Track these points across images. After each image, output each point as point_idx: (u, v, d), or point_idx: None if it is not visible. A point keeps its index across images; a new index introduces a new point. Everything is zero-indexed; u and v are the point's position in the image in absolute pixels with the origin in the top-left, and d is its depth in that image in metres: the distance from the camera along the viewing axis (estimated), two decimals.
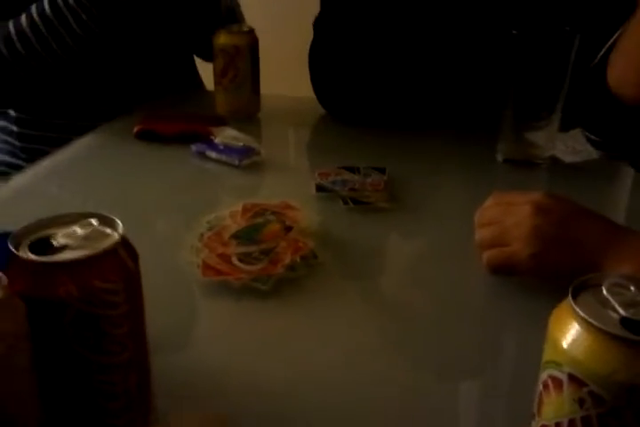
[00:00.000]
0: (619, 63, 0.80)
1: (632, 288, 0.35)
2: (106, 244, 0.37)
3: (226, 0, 1.16)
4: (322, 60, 1.01)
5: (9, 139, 1.12)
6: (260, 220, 0.67)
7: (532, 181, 0.87)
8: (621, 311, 0.33)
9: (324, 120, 1.04)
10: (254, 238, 0.64)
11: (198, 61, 1.28)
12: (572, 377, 0.33)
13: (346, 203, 0.76)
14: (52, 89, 1.07)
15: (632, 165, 0.89)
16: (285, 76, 1.18)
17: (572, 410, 0.33)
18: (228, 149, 0.87)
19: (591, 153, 0.93)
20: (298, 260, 0.61)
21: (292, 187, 0.82)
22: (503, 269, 0.59)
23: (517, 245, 0.58)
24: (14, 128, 1.10)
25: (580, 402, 0.33)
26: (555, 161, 0.89)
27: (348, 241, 0.69)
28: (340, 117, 1.03)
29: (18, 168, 1.07)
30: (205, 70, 1.20)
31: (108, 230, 0.38)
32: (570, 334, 0.33)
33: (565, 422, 0.33)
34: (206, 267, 0.59)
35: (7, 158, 1.13)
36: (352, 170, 0.84)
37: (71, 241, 0.37)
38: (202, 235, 0.64)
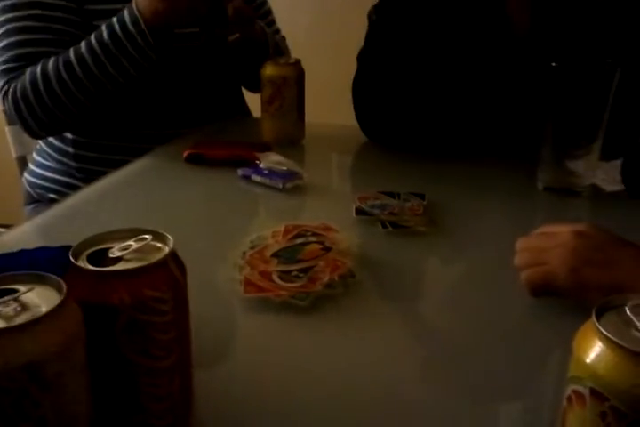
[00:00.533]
0: None
1: None
2: (157, 256, 0.40)
3: (273, 37, 1.21)
4: (365, 91, 1.04)
5: (65, 160, 1.17)
6: (300, 240, 0.70)
7: (572, 209, 0.88)
8: None
9: (366, 147, 1.07)
10: (294, 258, 0.66)
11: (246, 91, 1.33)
12: (593, 392, 0.34)
13: (385, 226, 0.78)
14: (107, 112, 1.13)
15: None
16: (329, 104, 1.22)
17: (594, 424, 0.34)
18: (272, 174, 0.90)
19: None
20: (336, 278, 0.63)
21: (332, 210, 0.84)
22: (541, 288, 0.61)
23: (555, 262, 0.59)
24: (70, 149, 1.16)
25: (602, 416, 0.34)
26: (595, 190, 0.90)
27: (385, 263, 0.71)
28: (382, 143, 1.06)
29: (74, 188, 1.13)
30: (252, 99, 1.25)
31: (160, 245, 0.41)
32: (592, 350, 0.35)
33: None
34: (248, 283, 0.62)
35: (64, 178, 1.18)
36: (391, 195, 0.86)
37: (126, 253, 0.40)
38: (244, 253, 0.67)
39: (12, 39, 1.06)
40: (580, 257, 0.59)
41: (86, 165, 1.16)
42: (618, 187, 0.94)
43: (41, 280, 0.37)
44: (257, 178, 0.90)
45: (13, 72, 1.06)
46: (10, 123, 1.29)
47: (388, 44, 1.01)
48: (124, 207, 0.85)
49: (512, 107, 1.01)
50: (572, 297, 0.59)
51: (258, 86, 1.06)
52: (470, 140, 1.03)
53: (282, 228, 0.72)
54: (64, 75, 1.02)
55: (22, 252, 0.55)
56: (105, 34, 1.02)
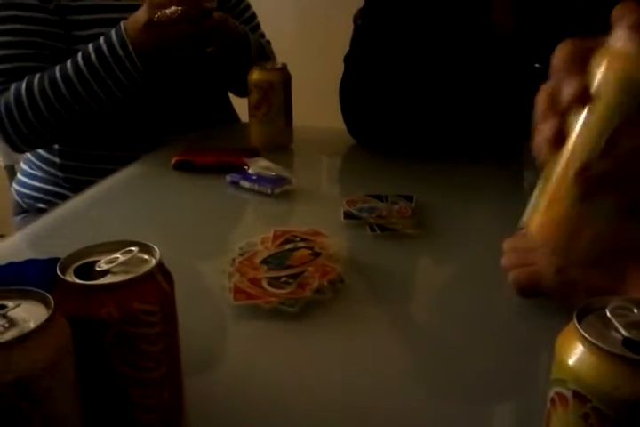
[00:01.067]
0: None
1: (635, 310, 0.37)
2: (144, 269, 0.40)
3: (255, 42, 1.22)
4: (352, 94, 1.05)
5: (51, 170, 1.17)
6: (289, 246, 0.70)
7: None
8: (624, 332, 0.35)
9: (354, 150, 1.08)
10: (284, 264, 0.67)
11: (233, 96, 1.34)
12: (576, 394, 0.35)
13: (373, 230, 0.79)
14: (92, 123, 1.13)
15: None
16: (317, 108, 1.22)
17: (577, 425, 0.35)
18: (260, 179, 0.91)
19: None
20: (325, 284, 0.64)
21: (321, 214, 0.85)
22: (529, 288, 0.61)
23: (542, 262, 0.60)
24: (57, 160, 1.16)
25: (585, 418, 0.34)
26: None
27: (374, 266, 0.71)
28: (370, 146, 1.06)
29: (63, 197, 1.13)
30: (241, 104, 1.25)
31: (147, 257, 0.42)
32: (574, 353, 0.35)
33: None
34: (237, 290, 0.62)
35: (52, 188, 1.18)
36: (380, 198, 0.86)
37: (113, 266, 0.40)
38: (234, 260, 0.68)
39: None
40: (568, 257, 0.59)
41: (73, 175, 1.16)
42: None
43: (28, 295, 0.37)
44: (245, 184, 0.91)
45: None
46: None
47: (373, 47, 1.02)
48: (112, 216, 0.85)
49: (497, 107, 1.01)
50: (558, 298, 0.59)
51: (245, 91, 1.07)
52: (457, 141, 1.04)
53: (271, 234, 0.73)
54: (49, 93, 1.03)
55: (10, 265, 0.56)
56: (93, 55, 1.02)
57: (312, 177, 0.99)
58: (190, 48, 1.06)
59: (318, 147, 1.09)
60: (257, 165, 0.94)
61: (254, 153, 0.99)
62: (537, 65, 0.87)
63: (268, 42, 1.33)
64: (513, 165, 0.91)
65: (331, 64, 1.14)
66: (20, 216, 1.23)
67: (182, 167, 0.97)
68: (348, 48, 1.05)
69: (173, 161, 0.98)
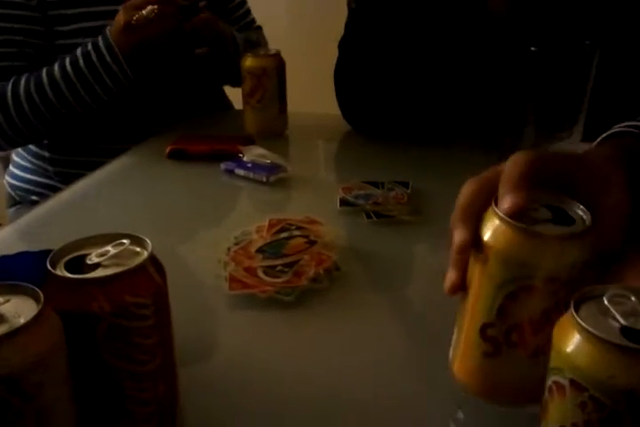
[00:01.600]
0: None
1: (633, 298, 0.36)
2: (136, 261, 0.40)
3: (248, 33, 1.20)
4: (347, 79, 1.04)
5: (42, 164, 1.17)
6: (285, 234, 0.70)
7: None
8: (622, 320, 0.35)
9: (349, 136, 1.07)
10: (279, 252, 0.66)
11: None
12: (573, 382, 0.34)
13: (369, 217, 0.78)
14: (78, 123, 1.12)
15: None
16: (312, 94, 1.21)
17: (574, 414, 0.35)
18: (255, 167, 0.90)
19: None
20: (321, 272, 0.64)
21: (317, 202, 0.84)
22: None
23: None
24: (46, 153, 1.15)
25: (582, 406, 0.34)
26: None
27: (371, 254, 0.71)
28: (365, 132, 1.05)
29: (55, 189, 1.12)
30: (234, 92, 1.24)
31: (138, 249, 0.41)
32: (571, 341, 0.35)
33: (568, 425, 0.35)
34: (233, 280, 0.62)
35: (44, 180, 1.18)
36: (376, 184, 0.86)
37: (104, 260, 0.40)
38: (229, 249, 0.67)
39: None
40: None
41: (63, 169, 1.15)
42: None
43: (18, 290, 0.36)
44: (240, 172, 0.90)
45: None
46: None
47: (367, 31, 1.01)
48: (105, 207, 0.85)
49: (493, 91, 1.00)
50: None
51: (239, 81, 1.06)
52: (453, 125, 1.03)
53: (266, 222, 0.72)
54: (35, 97, 1.03)
55: (2, 258, 0.55)
56: (80, 61, 1.02)
57: (307, 164, 0.98)
58: (176, 48, 1.05)
59: (313, 133, 1.09)
60: (252, 153, 0.94)
61: (249, 140, 0.99)
62: (532, 48, 0.86)
63: (260, 28, 1.31)
64: (510, 149, 0.91)
65: (325, 49, 1.13)
66: (14, 208, 1.22)
67: (176, 156, 0.96)
68: (342, 33, 1.04)
69: (167, 150, 0.97)
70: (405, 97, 1.00)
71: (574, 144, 0.90)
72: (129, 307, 0.38)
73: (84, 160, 1.13)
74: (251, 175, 0.89)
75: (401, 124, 1.02)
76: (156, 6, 0.97)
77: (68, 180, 1.03)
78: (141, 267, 0.39)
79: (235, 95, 1.23)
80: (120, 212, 0.82)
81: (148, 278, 0.40)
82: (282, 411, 0.48)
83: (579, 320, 0.34)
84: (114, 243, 0.41)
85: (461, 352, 0.47)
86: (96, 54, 1.02)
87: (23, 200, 1.20)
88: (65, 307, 0.37)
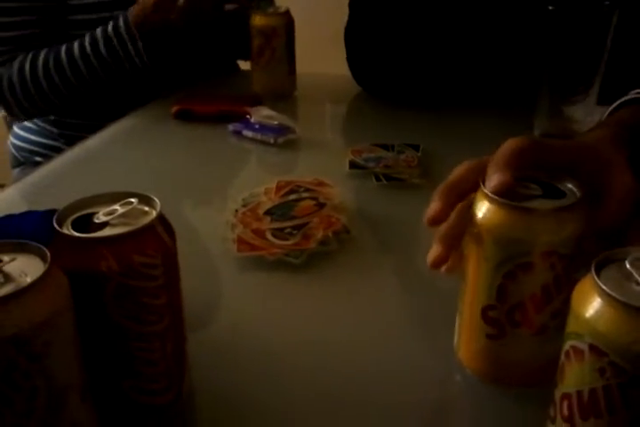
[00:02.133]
0: None
1: None
2: (144, 221, 0.39)
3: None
4: (357, 38, 1.02)
5: (46, 125, 1.15)
6: (293, 196, 0.69)
7: None
8: None
9: (359, 98, 1.05)
10: (288, 214, 0.65)
11: None
12: (592, 347, 0.34)
13: (379, 179, 0.77)
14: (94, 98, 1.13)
15: None
16: (321, 54, 1.18)
17: (592, 379, 0.34)
18: (263, 128, 0.88)
19: None
20: (330, 235, 0.63)
21: (326, 164, 0.83)
22: None
23: None
24: (51, 116, 1.14)
25: (601, 372, 0.33)
26: None
27: (380, 217, 0.70)
28: (375, 94, 1.03)
29: (59, 150, 1.11)
30: None
31: (147, 208, 0.40)
32: (591, 305, 0.34)
33: (586, 390, 0.34)
34: (241, 242, 0.61)
35: (49, 142, 1.16)
36: (386, 147, 0.84)
37: (112, 218, 0.39)
38: (236, 211, 0.66)
39: None
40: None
41: (68, 131, 1.13)
42: None
43: (24, 249, 0.35)
44: (248, 133, 0.89)
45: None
46: None
47: None
48: (111, 168, 0.84)
49: (508, 53, 0.98)
50: None
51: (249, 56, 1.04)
52: (466, 88, 1.01)
53: (274, 184, 0.71)
54: (53, 74, 1.03)
55: (7, 218, 0.54)
56: (101, 41, 1.02)
57: (316, 126, 0.96)
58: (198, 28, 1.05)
59: (322, 94, 1.06)
60: (259, 114, 0.92)
61: (257, 101, 0.97)
62: (550, 7, 0.83)
63: None
64: (523, 112, 0.89)
65: (335, 8, 1.09)
66: (18, 169, 1.21)
67: (183, 117, 0.95)
68: None
69: (173, 110, 0.95)
70: (417, 58, 0.98)
71: (589, 108, 0.88)
72: (137, 267, 0.37)
73: (88, 123, 1.11)
74: (258, 137, 0.88)
75: (412, 86, 1.00)
76: None
77: (73, 142, 1.02)
78: (150, 226, 0.39)
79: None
80: (125, 173, 0.81)
81: (157, 238, 0.39)
82: (289, 373, 0.48)
83: (600, 284, 0.33)
84: (122, 202, 0.40)
85: (465, 337, 0.47)
86: (117, 39, 1.02)
87: (27, 161, 1.19)
88: (72, 266, 0.36)
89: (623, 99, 0.68)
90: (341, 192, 0.71)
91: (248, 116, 0.92)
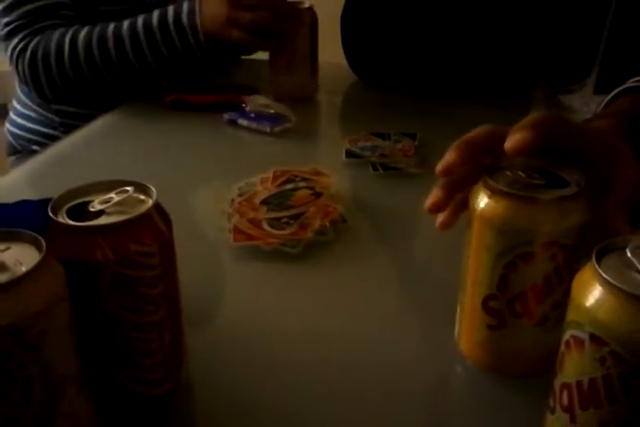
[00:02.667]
0: None
1: None
2: (140, 209, 0.38)
3: None
4: (354, 26, 1.01)
5: (48, 114, 1.13)
6: (290, 186, 0.68)
7: None
8: None
9: (356, 86, 1.04)
10: (284, 204, 0.65)
11: None
12: (593, 337, 0.33)
13: (375, 169, 0.76)
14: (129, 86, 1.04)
15: None
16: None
17: (593, 369, 0.34)
18: (259, 117, 0.88)
19: None
20: (327, 224, 0.62)
21: (322, 153, 0.83)
22: None
23: None
24: (52, 105, 1.12)
25: (602, 361, 0.33)
26: None
27: (377, 206, 0.69)
28: (372, 83, 1.03)
29: (57, 139, 1.09)
30: None
31: (143, 197, 0.40)
32: (592, 294, 0.34)
33: (586, 380, 0.34)
34: (237, 232, 0.61)
35: (47, 130, 1.14)
36: (382, 136, 0.84)
37: (107, 207, 0.38)
38: (233, 200, 0.66)
39: None
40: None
41: (70, 121, 1.11)
42: None
43: (19, 238, 0.35)
44: (244, 122, 0.88)
45: (27, 28, 0.98)
46: (20, 82, 1.15)
47: None
48: (107, 157, 0.83)
49: (505, 42, 0.97)
50: None
51: None
52: (462, 77, 1.00)
53: (270, 174, 0.71)
54: (95, 51, 0.95)
55: (2, 206, 0.54)
56: (155, 20, 0.94)
57: (312, 115, 0.95)
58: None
59: (319, 83, 1.05)
60: (255, 103, 0.91)
61: (253, 90, 0.96)
62: None
63: None
64: (520, 102, 0.89)
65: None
66: (14, 157, 1.19)
67: (178, 106, 0.94)
68: None
69: (168, 100, 0.94)
70: (414, 46, 0.97)
71: (586, 97, 0.88)
72: (134, 256, 0.37)
73: (90, 113, 1.08)
74: (254, 126, 0.87)
75: (409, 75, 1.00)
76: (264, 14, 0.89)
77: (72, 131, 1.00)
78: (146, 215, 0.38)
79: None
80: (121, 162, 0.81)
81: (154, 227, 0.38)
82: (287, 363, 0.48)
83: (601, 272, 0.33)
84: (117, 190, 0.39)
85: (466, 328, 0.47)
86: (176, 31, 0.94)
87: (24, 150, 1.18)
88: (68, 255, 0.36)
89: (620, 88, 0.68)
90: (338, 181, 0.70)
91: (244, 105, 0.91)
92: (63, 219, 0.37)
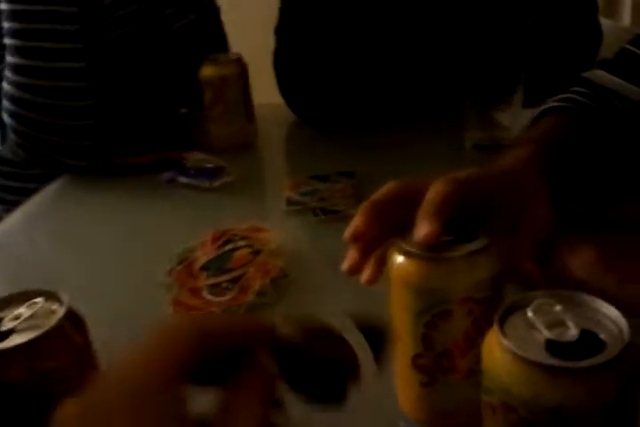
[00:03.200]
0: None
1: (558, 307, 0.35)
2: (51, 322, 0.38)
3: None
4: (286, 66, 1.02)
5: None
6: (229, 246, 0.69)
7: None
8: (546, 333, 0.34)
9: (296, 126, 1.05)
10: (224, 267, 0.65)
11: None
12: (503, 403, 0.34)
13: (316, 215, 0.77)
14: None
15: None
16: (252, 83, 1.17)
17: None
18: (198, 173, 0.88)
19: None
20: (267, 282, 0.62)
21: (264, 204, 0.83)
22: None
23: None
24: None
25: None
26: None
27: (318, 255, 0.70)
28: (310, 121, 1.03)
29: None
30: None
31: (54, 306, 0.40)
32: (497, 361, 0.34)
33: None
34: (177, 304, 0.61)
35: None
36: (321, 178, 0.84)
37: (18, 324, 0.38)
38: (172, 269, 0.66)
39: None
40: None
41: (12, 196, 1.08)
42: None
43: None
44: (183, 180, 0.88)
45: None
46: None
47: (304, 14, 0.98)
48: (39, 240, 0.81)
49: (432, 69, 0.99)
50: None
51: None
52: (396, 107, 1.01)
53: (210, 236, 0.71)
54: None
55: None
56: None
57: (252, 163, 0.95)
58: None
59: (257, 127, 1.05)
60: (194, 158, 0.91)
61: (190, 144, 0.96)
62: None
63: None
64: (453, 125, 0.90)
65: (262, 35, 1.08)
66: None
67: (118, 171, 0.93)
68: (277, 18, 1.01)
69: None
70: (348, 81, 0.98)
71: (516, 114, 0.89)
72: (48, 372, 0.37)
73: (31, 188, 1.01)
74: (194, 182, 0.87)
75: (344, 110, 1.00)
76: None
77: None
78: (58, 328, 0.38)
79: None
80: (57, 236, 0.80)
81: (66, 339, 0.39)
82: None
83: (501, 339, 0.34)
84: (27, 303, 0.40)
85: (401, 384, 0.47)
86: None
87: None
88: None
89: (546, 106, 0.69)
90: (278, 234, 0.71)
91: (184, 162, 0.91)
92: None
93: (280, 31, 1.02)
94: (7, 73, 0.88)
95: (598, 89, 0.70)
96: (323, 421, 0.47)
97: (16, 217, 0.88)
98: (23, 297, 0.40)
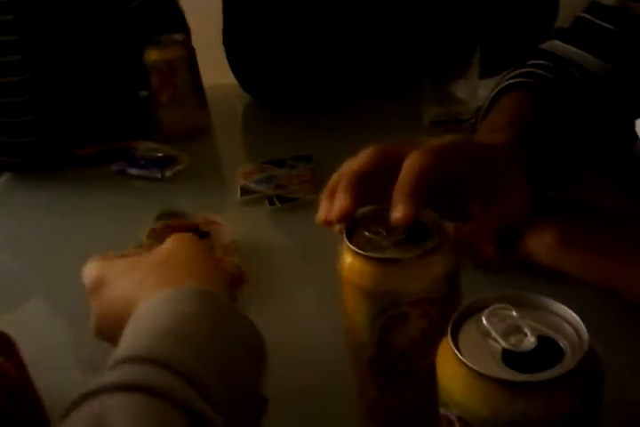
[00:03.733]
0: None
1: (514, 312, 0.34)
2: None
3: None
4: (235, 43, 0.98)
5: None
6: None
7: None
8: (502, 342, 0.32)
9: (250, 107, 1.01)
10: None
11: None
12: (459, 418, 0.32)
13: (272, 203, 0.74)
14: None
15: None
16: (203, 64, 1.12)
17: None
18: (148, 163, 0.84)
19: None
20: None
21: (217, 193, 0.80)
22: None
23: None
24: None
25: None
26: None
27: (275, 248, 0.68)
28: (265, 101, 1.00)
29: None
30: None
31: None
32: (452, 375, 0.33)
33: None
34: None
35: None
36: (277, 163, 0.81)
37: None
38: None
39: None
40: None
41: None
42: None
43: None
44: (133, 171, 0.84)
45: None
46: None
47: None
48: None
49: (385, 41, 0.96)
50: None
51: None
52: (349, 82, 0.98)
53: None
54: None
55: None
56: None
57: (206, 150, 0.91)
58: None
59: (210, 110, 1.00)
60: (144, 147, 0.88)
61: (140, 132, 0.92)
62: None
63: None
64: (411, 101, 0.87)
65: (211, 17, 1.03)
66: None
67: (64, 164, 0.88)
68: None
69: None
70: (297, 55, 0.95)
71: (473, 87, 0.87)
72: None
73: None
74: (144, 173, 0.83)
75: (299, 87, 0.97)
76: None
77: None
78: None
79: None
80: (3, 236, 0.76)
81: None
82: None
83: (455, 352, 0.32)
84: None
85: (359, 389, 0.45)
86: None
87: None
88: None
89: (503, 83, 0.67)
90: (233, 227, 0.68)
91: (133, 151, 0.87)
92: None
93: (227, 8, 0.98)
94: None
95: (557, 60, 0.68)
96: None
97: None
98: None
